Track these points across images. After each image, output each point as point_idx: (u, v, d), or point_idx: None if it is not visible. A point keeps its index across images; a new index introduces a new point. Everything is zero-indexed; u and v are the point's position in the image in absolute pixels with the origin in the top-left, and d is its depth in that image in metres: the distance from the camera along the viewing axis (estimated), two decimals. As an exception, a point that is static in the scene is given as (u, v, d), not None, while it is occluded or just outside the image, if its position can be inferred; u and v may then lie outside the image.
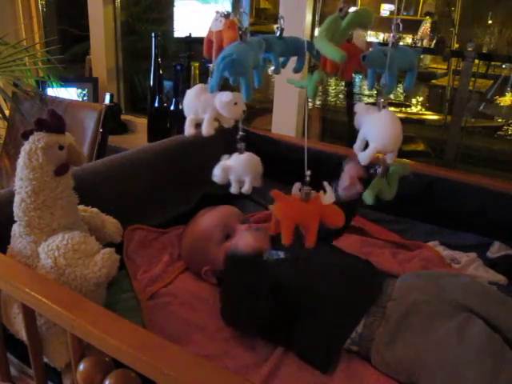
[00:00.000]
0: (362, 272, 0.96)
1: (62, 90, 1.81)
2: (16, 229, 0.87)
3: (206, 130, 0.67)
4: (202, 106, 0.68)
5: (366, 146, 0.68)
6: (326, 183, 0.71)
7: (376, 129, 0.66)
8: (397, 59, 0.67)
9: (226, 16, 0.68)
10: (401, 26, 0.66)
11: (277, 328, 0.89)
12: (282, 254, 0.99)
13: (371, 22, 0.68)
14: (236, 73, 0.61)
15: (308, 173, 0.66)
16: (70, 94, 2.00)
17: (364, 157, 0.67)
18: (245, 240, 1.01)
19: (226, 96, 0.64)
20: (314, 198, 0.67)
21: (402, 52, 0.68)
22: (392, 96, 3.29)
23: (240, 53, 0.61)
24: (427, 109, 3.86)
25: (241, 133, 0.69)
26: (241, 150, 0.70)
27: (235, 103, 0.63)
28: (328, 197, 0.68)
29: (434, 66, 3.80)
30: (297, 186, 0.67)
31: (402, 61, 0.68)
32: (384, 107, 0.68)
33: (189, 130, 0.70)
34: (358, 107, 0.71)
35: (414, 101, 3.89)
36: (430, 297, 0.86)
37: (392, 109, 0.72)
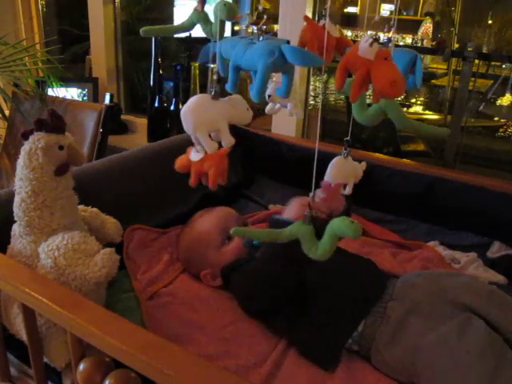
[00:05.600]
0: (364, 271, 0.96)
1: (62, 89, 1.80)
2: (16, 229, 0.87)
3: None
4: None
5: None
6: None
7: None
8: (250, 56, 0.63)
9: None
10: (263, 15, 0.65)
11: (280, 319, 0.90)
12: None
13: (229, 13, 0.67)
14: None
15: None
16: (70, 93, 2.00)
17: None
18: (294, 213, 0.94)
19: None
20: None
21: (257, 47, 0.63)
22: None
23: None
24: (427, 109, 3.86)
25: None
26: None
27: None
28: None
29: (434, 66, 3.80)
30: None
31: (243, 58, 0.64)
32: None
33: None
34: None
35: (413, 100, 3.89)
36: (430, 297, 0.86)
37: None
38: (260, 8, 0.66)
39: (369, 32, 0.71)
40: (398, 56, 0.70)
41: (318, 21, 0.71)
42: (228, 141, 0.68)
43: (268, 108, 0.77)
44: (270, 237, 0.67)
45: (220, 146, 0.70)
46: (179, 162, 0.76)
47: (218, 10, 0.66)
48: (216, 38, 0.70)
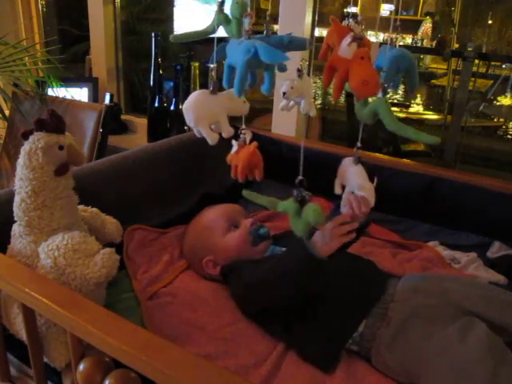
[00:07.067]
0: (364, 272, 0.96)
1: (62, 89, 1.80)
2: (16, 229, 0.87)
3: None
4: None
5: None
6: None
7: None
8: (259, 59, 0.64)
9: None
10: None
11: (278, 322, 0.89)
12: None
13: (241, 10, 0.69)
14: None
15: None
16: (71, 93, 2.00)
17: None
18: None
19: None
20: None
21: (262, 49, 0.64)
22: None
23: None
24: (427, 109, 3.86)
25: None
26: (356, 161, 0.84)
27: None
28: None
29: (434, 66, 3.81)
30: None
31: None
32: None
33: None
34: None
35: (413, 100, 3.89)
36: (432, 300, 0.86)
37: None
38: (267, 16, 0.69)
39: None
40: (392, 55, 0.70)
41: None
42: (227, 131, 0.72)
43: (281, 105, 0.78)
44: (271, 204, 0.76)
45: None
46: (228, 156, 0.79)
47: (231, 8, 0.68)
48: (236, 37, 0.71)
